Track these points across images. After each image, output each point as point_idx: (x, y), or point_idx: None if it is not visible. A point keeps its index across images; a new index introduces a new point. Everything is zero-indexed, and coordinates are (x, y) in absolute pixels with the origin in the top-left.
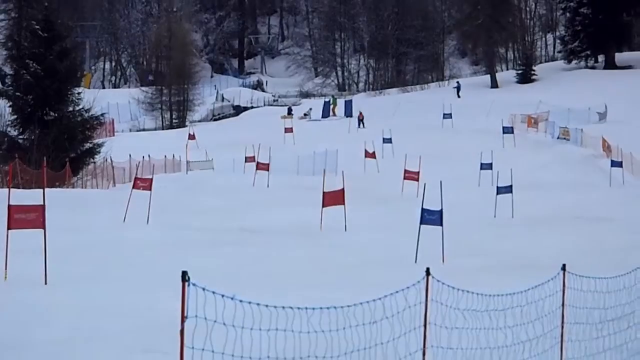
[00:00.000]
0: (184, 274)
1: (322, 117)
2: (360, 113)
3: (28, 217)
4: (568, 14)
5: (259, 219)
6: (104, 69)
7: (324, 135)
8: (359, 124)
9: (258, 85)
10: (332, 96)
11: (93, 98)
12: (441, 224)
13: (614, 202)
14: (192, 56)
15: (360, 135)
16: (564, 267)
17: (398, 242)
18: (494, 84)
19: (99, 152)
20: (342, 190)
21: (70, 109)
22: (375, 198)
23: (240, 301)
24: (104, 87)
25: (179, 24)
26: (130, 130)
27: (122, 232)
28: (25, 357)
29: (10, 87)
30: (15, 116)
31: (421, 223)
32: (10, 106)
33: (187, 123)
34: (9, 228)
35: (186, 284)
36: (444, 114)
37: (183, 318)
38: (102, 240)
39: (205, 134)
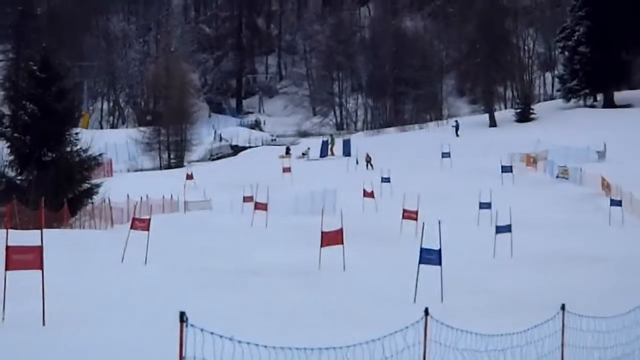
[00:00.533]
0: (182, 314)
1: (321, 156)
2: (367, 155)
3: (26, 258)
4: (566, 53)
5: (257, 259)
6: (101, 109)
7: (322, 175)
8: (366, 166)
9: (256, 125)
10: (331, 135)
11: (91, 138)
12: (440, 264)
13: (614, 241)
14: (190, 96)
15: (359, 175)
16: (563, 307)
17: (397, 281)
18: (493, 123)
19: (97, 193)
20: (341, 230)
21: (68, 149)
22: (373, 237)
23: (239, 342)
24: (101, 127)
25: (176, 64)
26: (129, 171)
27: (120, 272)
28: None
29: (8, 128)
30: (13, 157)
31: (420, 262)
32: (8, 147)
33: (185, 163)
34: (6, 269)
35: (184, 324)
36: (443, 153)
37: (181, 359)
38: (100, 281)
39: (204, 173)
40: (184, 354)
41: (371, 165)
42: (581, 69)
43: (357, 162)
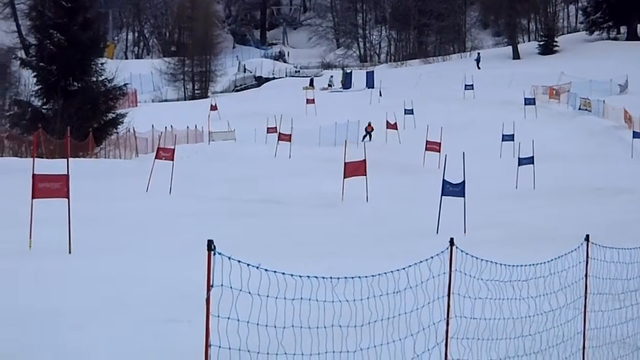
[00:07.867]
0: (210, 243)
1: (344, 88)
2: (370, 125)
3: (52, 187)
4: None
5: (281, 189)
6: (126, 39)
7: (345, 107)
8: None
9: (280, 56)
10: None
11: (116, 68)
12: (463, 195)
13: (636, 173)
14: (214, 27)
15: (382, 107)
16: (587, 238)
17: (419, 212)
18: (516, 55)
19: (122, 123)
20: (364, 161)
21: (94, 79)
22: (396, 169)
23: (266, 270)
24: (126, 58)
25: None
26: (153, 101)
27: (145, 201)
28: (49, 325)
29: (34, 57)
30: (39, 86)
31: (443, 194)
32: (34, 76)
33: (209, 94)
34: (33, 197)
35: (212, 252)
36: (466, 85)
37: (209, 287)
38: (125, 210)
39: (227, 104)
40: (211, 282)
41: (370, 135)
42: (605, 1)
43: (380, 94)
